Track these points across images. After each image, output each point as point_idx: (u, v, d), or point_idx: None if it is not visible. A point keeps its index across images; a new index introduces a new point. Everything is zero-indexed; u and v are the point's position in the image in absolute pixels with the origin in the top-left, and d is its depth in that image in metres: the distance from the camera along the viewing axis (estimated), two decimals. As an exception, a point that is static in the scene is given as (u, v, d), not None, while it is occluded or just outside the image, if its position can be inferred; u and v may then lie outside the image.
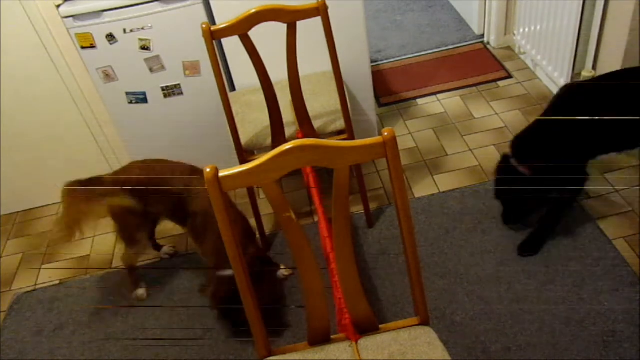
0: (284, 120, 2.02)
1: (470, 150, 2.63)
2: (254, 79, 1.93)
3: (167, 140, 2.59)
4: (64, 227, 2.01)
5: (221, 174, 1.13)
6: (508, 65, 3.14)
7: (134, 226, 2.10)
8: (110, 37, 2.24)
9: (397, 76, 3.23)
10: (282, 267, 2.23)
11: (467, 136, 2.71)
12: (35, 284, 2.42)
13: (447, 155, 2.62)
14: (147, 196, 2.00)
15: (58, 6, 2.19)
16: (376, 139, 1.13)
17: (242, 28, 1.79)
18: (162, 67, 2.34)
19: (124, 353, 2.05)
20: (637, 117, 1.86)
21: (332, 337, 1.39)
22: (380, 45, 3.51)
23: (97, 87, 2.41)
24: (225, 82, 2.09)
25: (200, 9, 2.22)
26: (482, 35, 3.39)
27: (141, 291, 2.24)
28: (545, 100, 2.83)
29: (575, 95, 2.00)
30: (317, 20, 1.85)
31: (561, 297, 1.92)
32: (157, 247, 2.42)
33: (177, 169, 2.02)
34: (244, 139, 2.07)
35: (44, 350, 2.12)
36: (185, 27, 2.23)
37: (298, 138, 1.24)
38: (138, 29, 2.23)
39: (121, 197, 2.01)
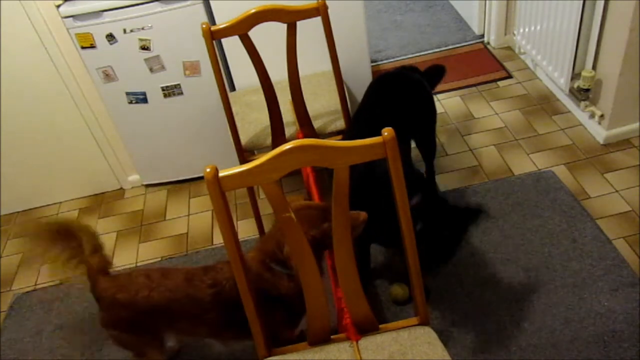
0: (284, 120, 2.02)
1: (470, 150, 2.62)
2: (254, 79, 1.93)
3: (167, 140, 2.60)
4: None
5: (221, 174, 1.13)
6: (508, 65, 3.14)
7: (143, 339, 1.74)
8: (110, 37, 2.24)
9: (397, 76, 3.23)
10: None
11: (467, 136, 2.71)
12: (35, 284, 2.42)
13: (447, 155, 2.62)
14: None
15: (58, 6, 2.19)
16: (376, 138, 1.13)
17: (242, 28, 1.79)
18: (162, 67, 2.34)
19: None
20: None
21: (332, 337, 1.39)
22: (380, 45, 3.50)
23: (97, 87, 2.41)
24: (225, 82, 2.09)
25: (200, 9, 2.22)
26: (482, 35, 3.39)
27: (171, 345, 1.98)
28: (546, 100, 2.83)
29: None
30: (317, 20, 1.85)
31: (561, 297, 1.93)
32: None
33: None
34: (244, 139, 2.07)
35: (44, 350, 2.12)
36: (185, 27, 2.23)
37: (298, 138, 1.24)
38: (138, 29, 2.23)
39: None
